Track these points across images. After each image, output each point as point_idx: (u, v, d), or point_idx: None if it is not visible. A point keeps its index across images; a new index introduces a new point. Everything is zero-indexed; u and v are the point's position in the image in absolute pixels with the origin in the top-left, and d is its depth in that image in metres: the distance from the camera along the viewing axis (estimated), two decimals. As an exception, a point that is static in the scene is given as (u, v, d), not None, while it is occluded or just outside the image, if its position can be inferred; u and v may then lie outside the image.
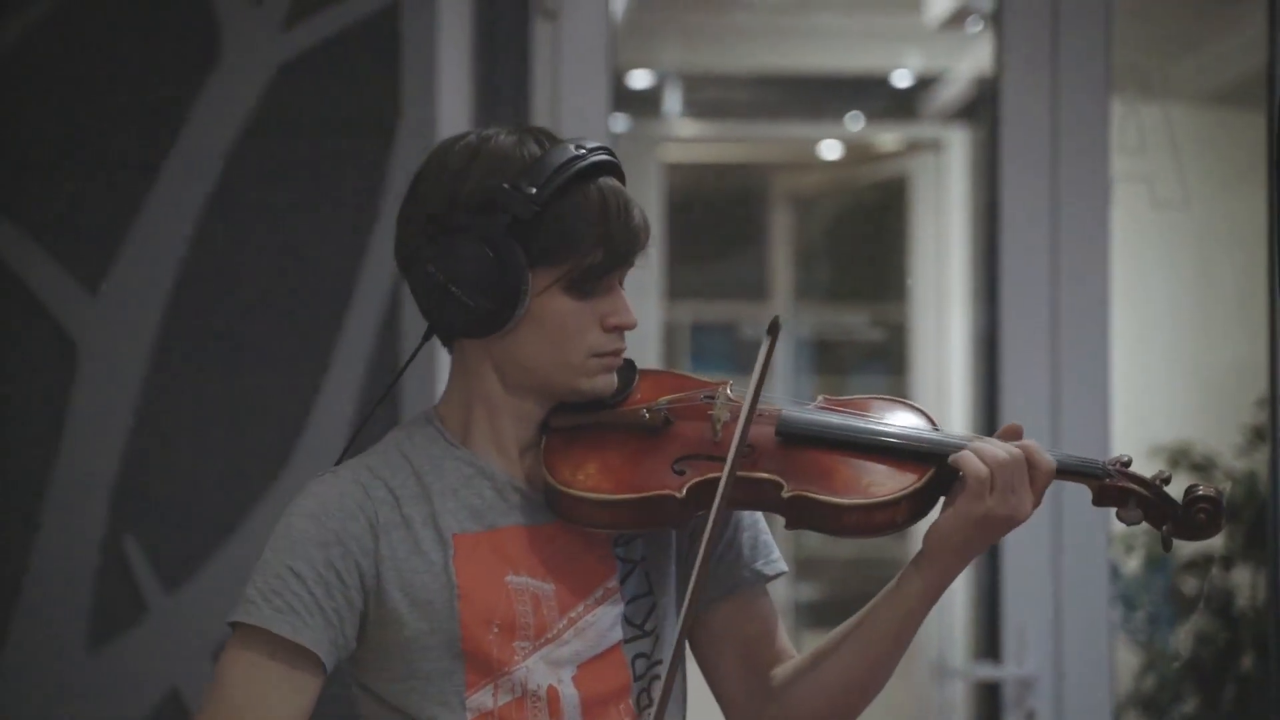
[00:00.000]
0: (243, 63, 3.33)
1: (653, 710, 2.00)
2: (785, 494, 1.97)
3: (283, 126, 3.33)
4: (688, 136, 6.05)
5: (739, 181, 6.55)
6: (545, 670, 1.98)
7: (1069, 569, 3.52)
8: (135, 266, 3.30)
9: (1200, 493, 2.01)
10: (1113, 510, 2.03)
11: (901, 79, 5.64)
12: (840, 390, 6.43)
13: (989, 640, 3.71)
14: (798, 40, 5.59)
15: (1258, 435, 4.91)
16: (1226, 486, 2.04)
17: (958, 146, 5.56)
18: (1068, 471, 2.02)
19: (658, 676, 2.03)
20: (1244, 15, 4.54)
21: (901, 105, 5.77)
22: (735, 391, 2.07)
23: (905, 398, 2.12)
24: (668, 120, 5.79)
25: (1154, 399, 5.26)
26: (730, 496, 1.98)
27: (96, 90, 3.32)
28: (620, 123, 5.52)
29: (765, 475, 1.98)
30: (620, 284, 2.04)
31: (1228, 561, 5.03)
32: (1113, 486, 2.00)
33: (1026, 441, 2.00)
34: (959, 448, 1.99)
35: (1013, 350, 3.58)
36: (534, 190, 1.95)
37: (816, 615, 6.06)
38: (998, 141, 3.61)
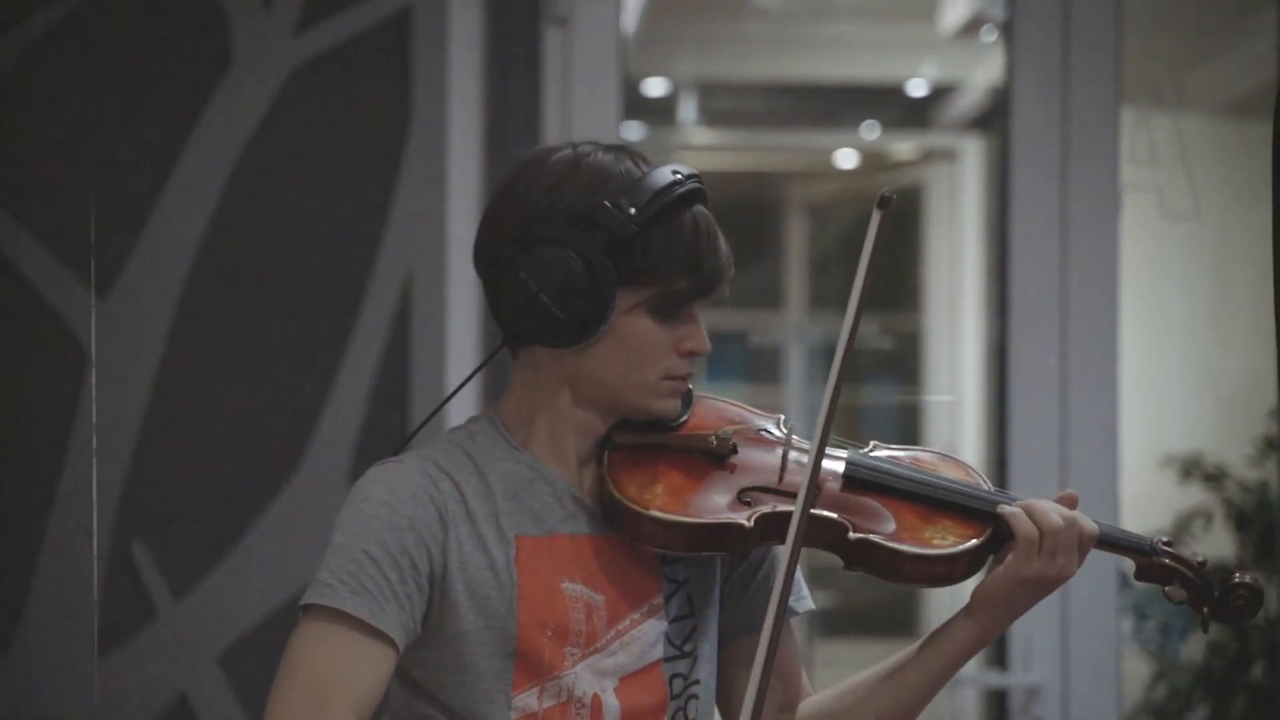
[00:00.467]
0: (254, 68, 3.34)
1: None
2: (851, 536, 2.00)
3: (294, 131, 3.34)
4: (702, 145, 6.06)
5: (753, 190, 6.55)
6: (591, 678, 1.99)
7: (1076, 577, 3.51)
8: (145, 272, 3.31)
9: (1239, 579, 2.08)
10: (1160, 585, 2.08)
11: (917, 88, 5.64)
12: (853, 398, 6.42)
13: (996, 648, 3.71)
14: (813, 49, 5.60)
15: (1269, 446, 4.90)
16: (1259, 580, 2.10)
17: (972, 156, 5.56)
18: (1115, 544, 2.08)
19: (695, 696, 2.05)
20: (1256, 28, 4.55)
21: (916, 114, 5.77)
22: (787, 424, 2.10)
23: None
24: (682, 129, 5.79)
25: (1166, 409, 5.26)
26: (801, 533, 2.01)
27: (107, 95, 3.33)
28: (635, 131, 5.53)
29: (834, 516, 2.01)
30: (698, 312, 2.04)
31: (1238, 571, 5.02)
32: (1159, 564, 2.07)
33: (1074, 512, 2.04)
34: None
35: (1021, 359, 3.59)
36: (634, 210, 1.96)
37: (830, 624, 6.05)
38: (1008, 150, 3.62)
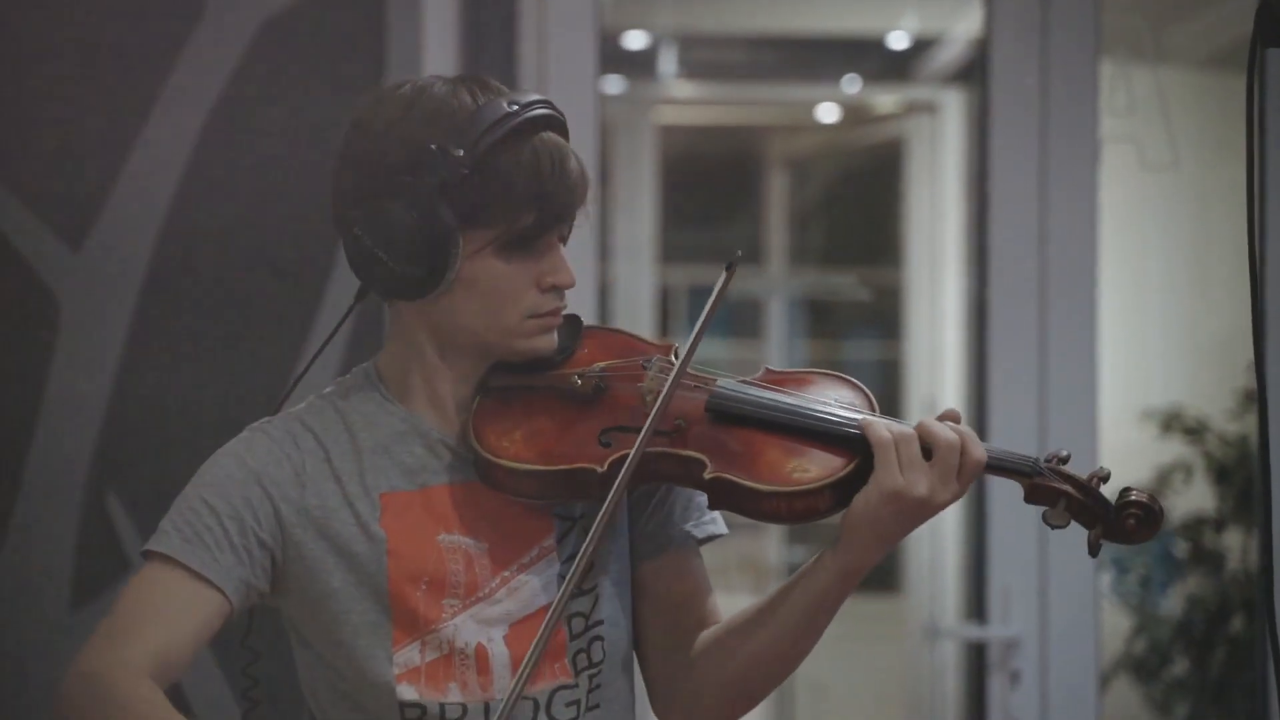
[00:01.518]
0: (225, 18, 3.31)
1: (591, 672, 1.98)
2: (707, 475, 1.92)
3: (266, 84, 3.32)
4: (683, 98, 6.04)
5: (734, 144, 6.55)
6: (474, 628, 1.95)
7: (1054, 530, 3.52)
8: (118, 222, 3.29)
9: (1133, 498, 1.94)
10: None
11: (898, 41, 5.63)
12: (834, 352, 6.44)
13: (975, 601, 3.71)
14: (794, 2, 5.58)
15: (1249, 399, 4.91)
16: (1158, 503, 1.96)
17: (953, 109, 5.55)
18: (995, 467, 1.94)
19: (599, 637, 2.00)
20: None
21: (897, 67, 5.76)
22: (678, 356, 2.01)
23: (843, 372, 2.06)
24: (663, 82, 5.78)
25: (1146, 363, 5.28)
26: (652, 471, 1.95)
27: (78, 45, 3.30)
28: (615, 84, 5.51)
29: (690, 454, 1.93)
30: (563, 240, 1.99)
31: (1219, 524, 5.04)
32: (1044, 485, 1.94)
33: (958, 426, 1.92)
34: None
35: (1001, 313, 3.58)
36: (461, 152, 1.89)
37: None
38: (987, 103, 3.60)
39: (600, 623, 2.00)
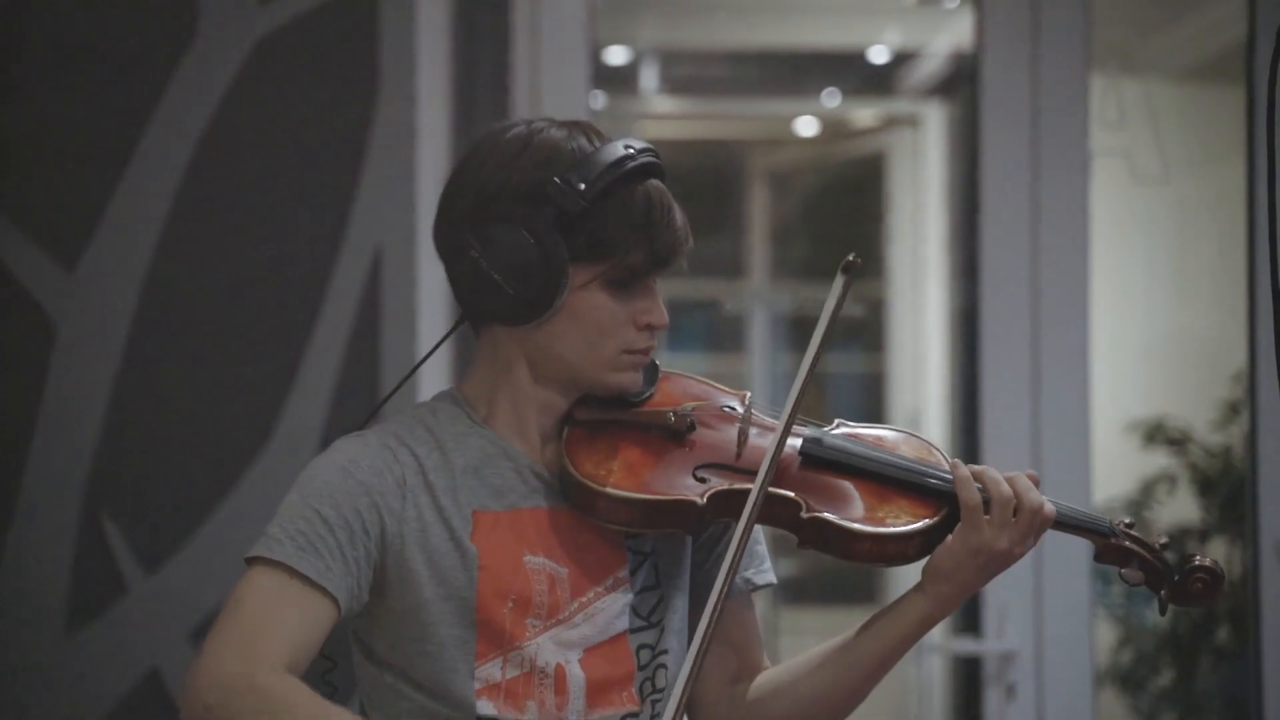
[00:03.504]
0: (220, 38, 3.31)
1: (655, 698, 2.04)
2: (804, 514, 2.00)
3: (261, 102, 3.31)
4: (664, 113, 6.04)
5: (716, 158, 6.54)
6: (554, 649, 2.00)
7: (1049, 543, 3.52)
8: (113, 244, 3.28)
9: (1198, 563, 2.05)
10: (1115, 567, 2.07)
11: (878, 55, 5.64)
12: (819, 365, 6.43)
13: (969, 615, 3.71)
14: (774, 16, 5.59)
15: (1233, 410, 4.93)
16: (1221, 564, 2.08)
17: (934, 122, 5.56)
18: (1073, 526, 2.07)
19: (663, 666, 2.05)
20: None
21: (878, 81, 5.77)
22: (754, 403, 2.10)
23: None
24: (644, 97, 5.78)
25: (1131, 374, 5.29)
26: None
27: (73, 65, 3.30)
28: (597, 99, 5.51)
29: (788, 493, 2.01)
30: (655, 284, 2.04)
31: (1203, 535, 5.06)
32: (1117, 546, 2.05)
33: (1030, 487, 2.03)
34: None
35: (993, 326, 3.59)
36: (583, 186, 1.97)
37: (794, 592, 6.07)
38: (978, 117, 3.61)
39: (665, 652, 2.06)
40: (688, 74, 6.01)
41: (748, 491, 1.98)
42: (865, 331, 5.94)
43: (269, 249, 3.31)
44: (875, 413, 5.90)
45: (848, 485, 2.04)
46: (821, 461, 2.05)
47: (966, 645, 3.66)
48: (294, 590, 1.92)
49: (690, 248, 2.05)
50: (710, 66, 6.01)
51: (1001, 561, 2.01)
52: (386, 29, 3.33)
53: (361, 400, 3.26)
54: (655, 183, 2.02)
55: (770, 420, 2.07)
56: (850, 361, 6.14)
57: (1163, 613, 2.07)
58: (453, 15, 3.41)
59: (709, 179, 6.50)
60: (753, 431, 2.05)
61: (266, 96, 3.32)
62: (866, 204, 5.97)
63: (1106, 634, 5.12)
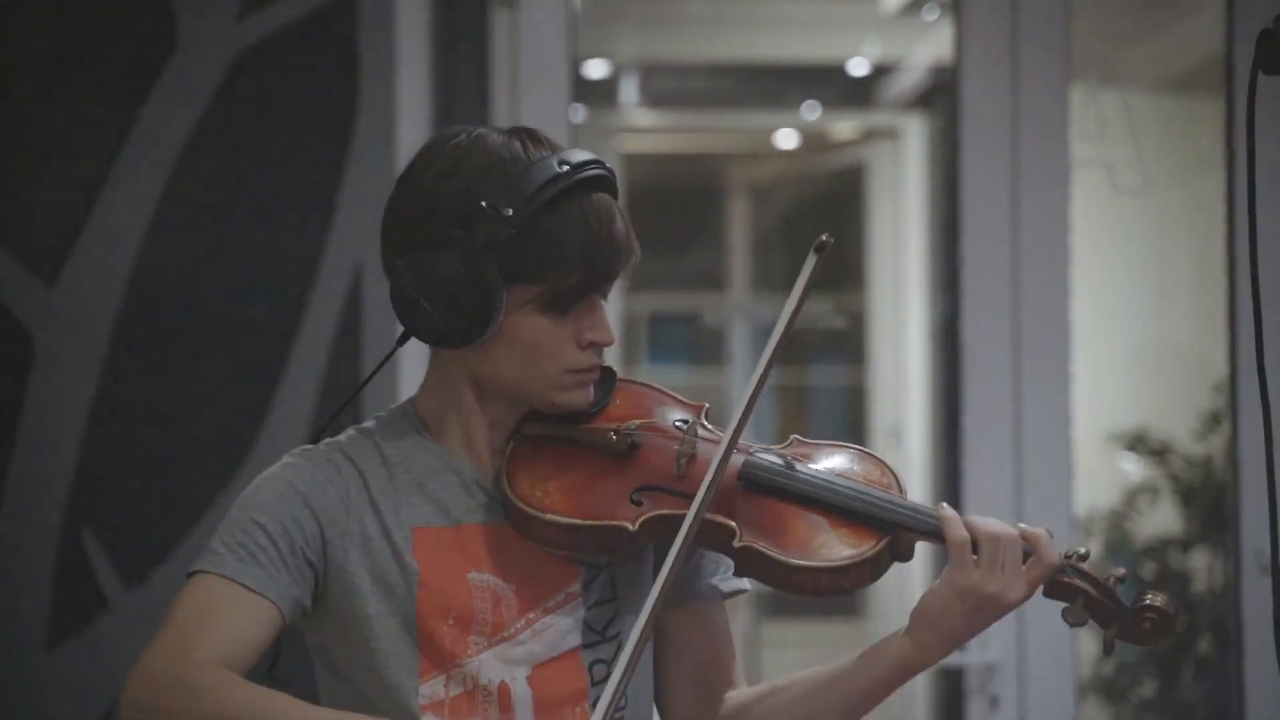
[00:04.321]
0: (199, 51, 3.30)
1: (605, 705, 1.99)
2: (736, 543, 1.93)
3: (241, 115, 3.31)
4: (644, 126, 6.06)
5: (696, 172, 6.56)
6: (499, 666, 1.96)
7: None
8: (92, 258, 3.28)
9: (1149, 601, 1.93)
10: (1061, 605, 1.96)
11: (858, 67, 5.65)
12: (798, 378, 6.44)
13: (952, 627, 3.70)
14: (753, 29, 5.59)
15: (1214, 420, 4.93)
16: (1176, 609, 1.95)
17: (914, 134, 5.57)
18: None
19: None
20: (1199, 1, 4.57)
21: (858, 94, 5.78)
22: (709, 419, 2.03)
23: (868, 447, 2.08)
24: (624, 110, 5.79)
25: (1111, 385, 5.29)
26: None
27: (52, 80, 3.29)
28: (577, 113, 5.51)
29: (721, 520, 1.94)
30: (604, 298, 1.99)
31: (1185, 545, 5.06)
32: (1063, 583, 1.95)
33: (1027, 529, 1.95)
34: (920, 519, 1.95)
35: (974, 337, 3.59)
36: (510, 212, 1.91)
37: (777, 605, 6.07)
38: (958, 129, 3.61)
39: None
40: (667, 87, 6.02)
41: (683, 517, 1.91)
42: (846, 344, 5.95)
43: (249, 263, 3.31)
44: (856, 425, 5.91)
45: (788, 511, 1.96)
46: (761, 485, 1.97)
47: (949, 657, 3.65)
48: (232, 598, 1.89)
49: (634, 260, 1.99)
50: (690, 80, 6.02)
51: (992, 607, 1.92)
52: (366, 42, 3.33)
53: (343, 413, 3.24)
54: (594, 198, 1.95)
55: (719, 436, 2.00)
56: (831, 374, 6.15)
57: (1106, 653, 1.94)
58: (432, 29, 3.40)
59: (689, 192, 6.52)
60: (701, 448, 1.98)
61: (246, 110, 3.31)
62: (847, 216, 5.98)
63: (1089, 645, 5.11)
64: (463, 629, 1.95)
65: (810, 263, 1.92)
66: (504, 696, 1.96)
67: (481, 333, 1.94)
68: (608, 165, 1.99)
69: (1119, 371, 5.38)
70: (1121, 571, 1.96)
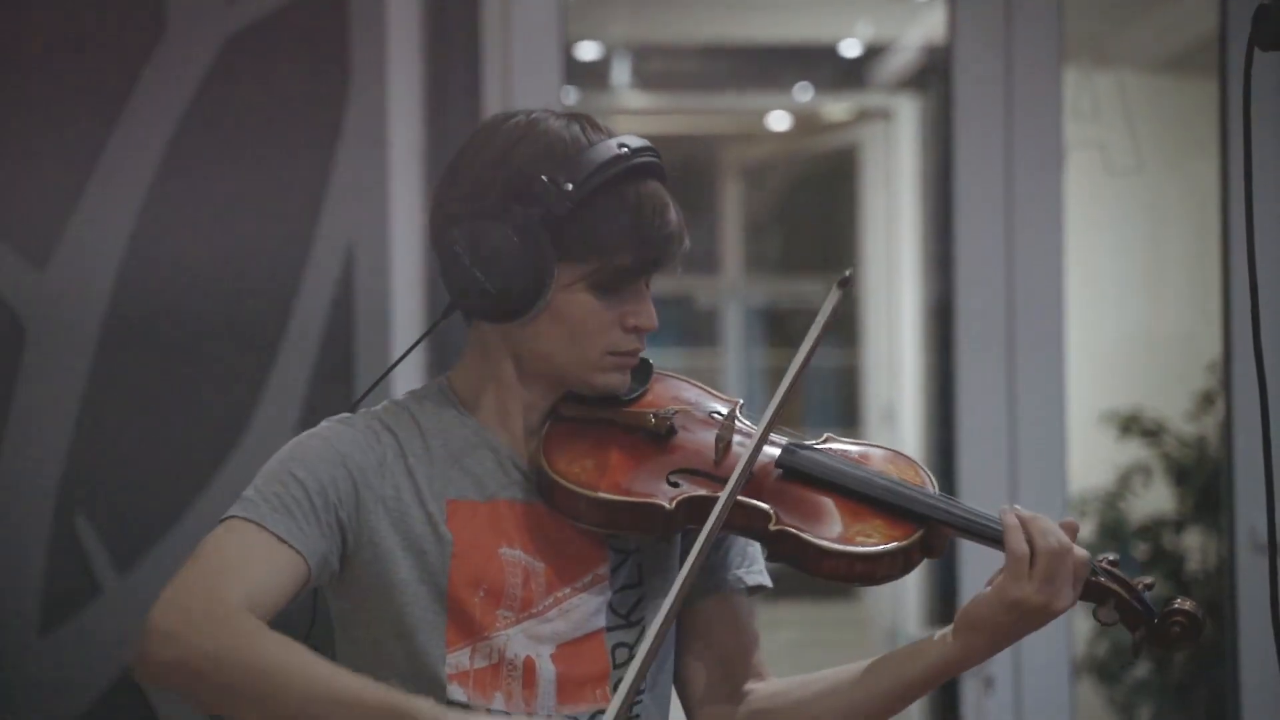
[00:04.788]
0: (188, 35, 3.29)
1: (633, 701, 2.00)
2: (773, 526, 1.95)
3: (230, 100, 3.30)
4: (636, 108, 6.04)
5: (688, 153, 6.55)
6: (525, 642, 1.98)
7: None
8: (83, 243, 3.27)
9: (1178, 605, 1.97)
10: (1092, 606, 1.99)
11: (850, 49, 5.64)
12: (792, 360, 6.43)
13: (947, 606, 3.71)
14: (745, 11, 5.58)
15: (1207, 400, 4.94)
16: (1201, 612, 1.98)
17: (907, 115, 5.57)
18: None
19: None
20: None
21: (850, 75, 5.77)
22: (744, 413, 2.06)
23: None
24: (616, 92, 5.78)
25: (1105, 366, 5.29)
26: (719, 518, 1.97)
27: (41, 65, 3.28)
28: (568, 95, 5.50)
29: (758, 504, 1.97)
30: (647, 286, 2.02)
31: (1179, 525, 5.06)
32: (1095, 583, 1.97)
33: (1070, 541, 1.95)
34: (955, 515, 1.98)
35: (967, 319, 3.58)
36: (570, 187, 1.93)
37: (792, 586, 6.07)
38: (951, 110, 3.61)
39: None
40: (659, 69, 6.01)
41: (718, 500, 1.95)
42: (839, 326, 5.94)
43: (241, 246, 3.30)
44: (850, 406, 5.91)
45: (824, 500, 1.99)
46: (799, 474, 2.00)
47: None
48: (262, 545, 1.89)
49: (686, 249, 2.02)
50: (682, 61, 6.01)
51: (1037, 617, 1.92)
52: (357, 25, 3.31)
53: (336, 396, 3.24)
54: (650, 183, 1.98)
55: (754, 428, 2.02)
56: (824, 356, 6.14)
57: (1135, 655, 1.98)
58: (423, 11, 3.39)
59: (681, 174, 6.50)
60: (736, 439, 2.01)
61: (236, 93, 3.30)
62: (839, 198, 5.98)
63: (1082, 625, 5.12)
64: (493, 602, 1.97)
65: (833, 297, 1.95)
66: (529, 672, 1.97)
67: (531, 305, 1.96)
68: (660, 155, 2.01)
69: (1111, 352, 5.39)
70: (1150, 580, 1.98)
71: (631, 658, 2.01)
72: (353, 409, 2.07)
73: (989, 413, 3.57)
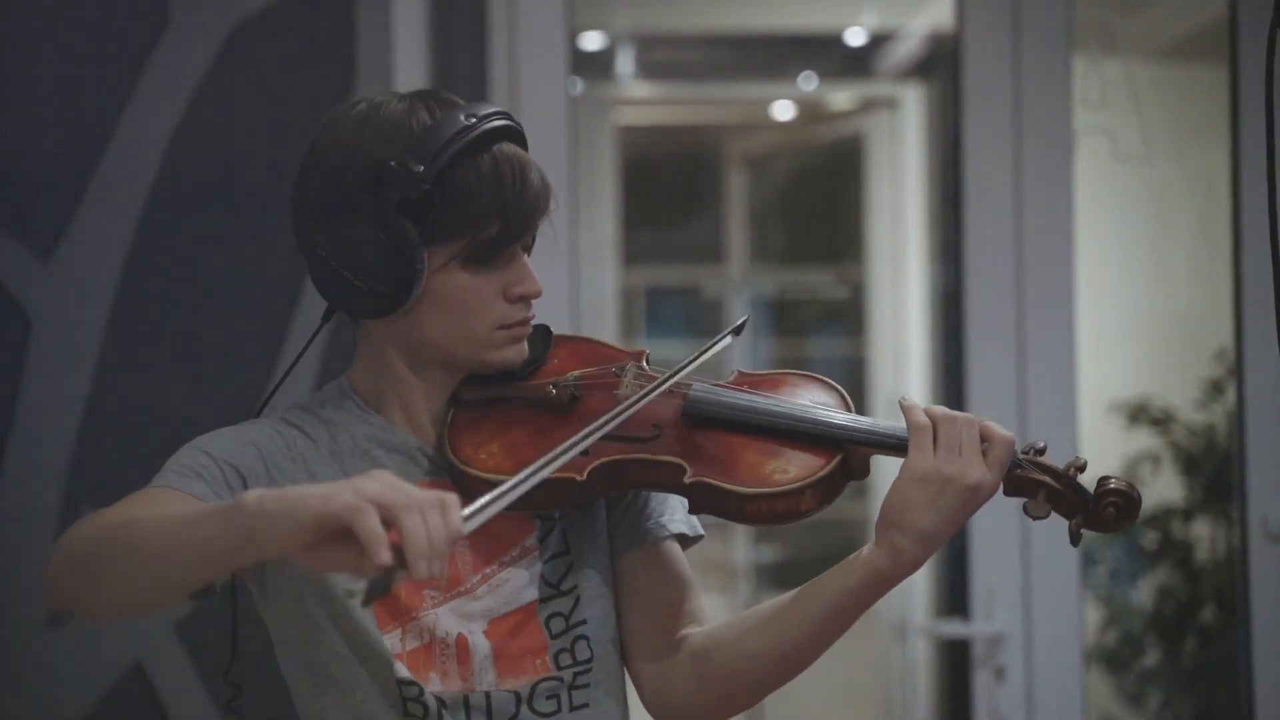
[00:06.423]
0: (193, 25, 3.28)
1: (577, 670, 1.98)
2: (687, 480, 1.92)
3: (236, 90, 3.29)
4: (640, 99, 6.03)
5: (693, 143, 6.54)
6: (454, 620, 1.95)
7: (1037, 525, 3.52)
8: (88, 235, 3.26)
9: (1111, 485, 1.94)
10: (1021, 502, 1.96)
11: (855, 37, 5.62)
12: (797, 350, 6.43)
13: (957, 598, 3.70)
14: (749, 0, 5.57)
15: (1215, 388, 4.93)
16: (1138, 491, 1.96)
17: (912, 104, 5.54)
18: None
19: (583, 637, 2.00)
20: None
21: (855, 64, 5.75)
22: (651, 364, 2.03)
23: (816, 372, 2.06)
24: (620, 82, 5.76)
25: (1113, 354, 5.28)
26: (632, 478, 1.95)
27: (43, 54, 3.27)
28: (573, 86, 5.48)
29: (668, 459, 1.93)
30: (527, 251, 1.99)
31: (1187, 514, 5.05)
32: (1022, 477, 1.94)
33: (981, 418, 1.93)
34: (868, 431, 1.93)
35: (977, 308, 3.57)
36: (421, 168, 1.90)
37: (777, 576, 6.07)
38: (960, 98, 3.60)
39: (584, 622, 2.01)
40: (663, 59, 5.99)
41: (632, 461, 1.92)
42: (845, 315, 5.93)
43: (246, 238, 3.29)
44: (857, 397, 5.89)
45: (736, 442, 1.95)
46: (706, 420, 1.96)
47: (955, 628, 3.65)
48: (173, 498, 1.84)
49: (552, 209, 1.98)
50: (686, 51, 6.00)
51: (954, 492, 1.88)
52: (363, 16, 3.30)
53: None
54: (503, 148, 1.95)
55: (658, 375, 1.99)
56: (830, 345, 6.14)
57: (1074, 543, 1.94)
58: (429, 2, 3.38)
59: (686, 164, 6.50)
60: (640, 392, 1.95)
61: (242, 84, 3.29)
62: (844, 187, 5.96)
63: (1091, 614, 5.12)
64: (418, 581, 1.91)
65: (724, 341, 1.99)
66: (462, 650, 1.95)
67: (407, 296, 1.93)
68: (513, 116, 1.98)
69: (1119, 340, 5.37)
70: (1081, 460, 1.96)
71: (570, 626, 1.99)
72: (257, 415, 2.05)
73: (998, 401, 3.56)
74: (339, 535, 1.53)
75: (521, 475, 1.70)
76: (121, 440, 3.26)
